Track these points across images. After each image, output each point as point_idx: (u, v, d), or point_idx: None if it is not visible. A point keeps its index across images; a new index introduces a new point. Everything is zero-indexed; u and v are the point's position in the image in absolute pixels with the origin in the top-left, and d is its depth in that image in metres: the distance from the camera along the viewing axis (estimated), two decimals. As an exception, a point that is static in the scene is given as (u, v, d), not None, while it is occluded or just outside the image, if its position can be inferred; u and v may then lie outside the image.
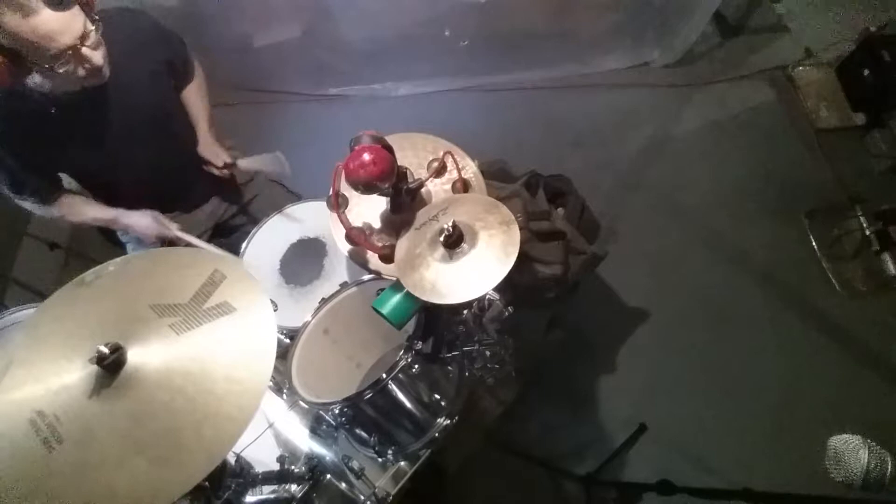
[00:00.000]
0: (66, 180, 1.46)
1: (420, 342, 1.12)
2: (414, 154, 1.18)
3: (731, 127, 2.59)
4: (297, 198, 1.70)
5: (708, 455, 1.84)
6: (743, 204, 2.38)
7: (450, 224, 0.97)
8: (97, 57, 1.16)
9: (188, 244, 1.49)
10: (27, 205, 1.41)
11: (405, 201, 1.10)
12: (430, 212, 1.08)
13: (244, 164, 1.57)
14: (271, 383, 1.24)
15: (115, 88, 1.28)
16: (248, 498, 0.99)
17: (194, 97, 1.57)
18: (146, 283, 0.90)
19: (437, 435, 1.18)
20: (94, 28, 1.14)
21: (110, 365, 0.75)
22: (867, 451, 0.96)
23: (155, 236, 1.46)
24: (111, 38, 1.22)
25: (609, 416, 1.95)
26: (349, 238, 1.10)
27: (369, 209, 1.16)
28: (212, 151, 1.55)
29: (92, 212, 1.46)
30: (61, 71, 1.12)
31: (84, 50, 1.13)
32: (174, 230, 1.47)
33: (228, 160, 1.54)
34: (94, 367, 0.75)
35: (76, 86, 1.20)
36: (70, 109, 1.24)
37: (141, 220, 1.45)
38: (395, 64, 2.63)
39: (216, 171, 1.56)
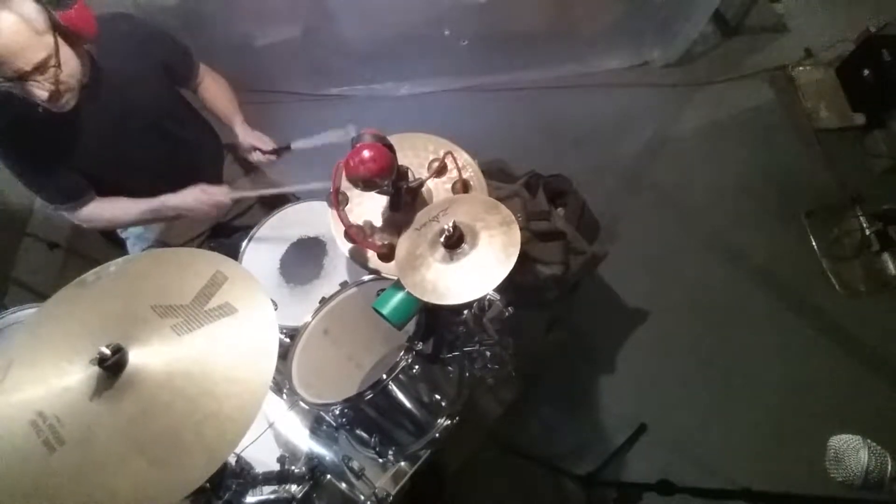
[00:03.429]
0: None
1: (420, 343, 1.12)
2: (414, 154, 1.18)
3: (731, 127, 2.58)
4: (296, 197, 1.69)
5: (708, 455, 1.84)
6: (743, 204, 2.37)
7: (450, 224, 0.97)
8: (40, 94, 1.11)
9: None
10: (66, 215, 1.41)
11: (405, 200, 1.11)
12: (430, 212, 1.08)
13: (302, 143, 1.51)
14: (271, 383, 1.24)
15: (109, 90, 1.28)
16: (249, 498, 0.99)
17: (216, 94, 1.57)
18: (147, 283, 0.90)
19: (437, 435, 1.18)
20: (54, 66, 1.09)
21: (111, 366, 0.75)
22: (867, 451, 0.96)
23: (210, 207, 1.44)
24: (106, 43, 1.22)
25: (609, 416, 1.95)
26: (348, 236, 1.10)
27: (370, 208, 1.16)
28: (256, 136, 1.55)
29: (137, 205, 1.43)
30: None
31: (29, 84, 1.09)
32: (226, 194, 1.45)
33: (273, 145, 1.54)
34: (96, 369, 0.75)
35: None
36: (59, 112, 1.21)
37: (189, 196, 1.42)
38: (396, 64, 2.63)
39: (262, 158, 1.55)
